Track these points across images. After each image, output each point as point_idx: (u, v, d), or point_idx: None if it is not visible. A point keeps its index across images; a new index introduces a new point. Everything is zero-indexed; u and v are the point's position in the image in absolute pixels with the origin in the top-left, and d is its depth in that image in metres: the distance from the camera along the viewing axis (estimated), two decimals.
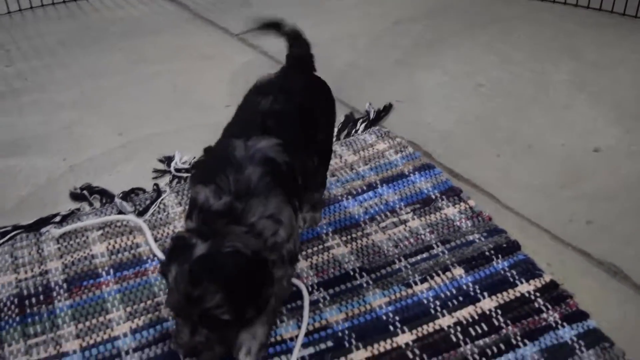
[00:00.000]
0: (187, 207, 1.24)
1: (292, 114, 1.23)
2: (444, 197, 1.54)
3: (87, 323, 1.25)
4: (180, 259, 1.01)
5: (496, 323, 1.23)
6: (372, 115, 1.83)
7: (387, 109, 1.86)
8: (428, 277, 1.33)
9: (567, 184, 1.58)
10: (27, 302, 1.30)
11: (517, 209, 1.51)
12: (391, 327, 1.23)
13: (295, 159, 1.16)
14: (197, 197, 1.09)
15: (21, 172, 1.67)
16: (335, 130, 1.72)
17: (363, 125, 1.79)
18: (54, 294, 1.31)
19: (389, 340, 1.21)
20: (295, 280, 1.30)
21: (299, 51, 1.40)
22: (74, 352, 1.20)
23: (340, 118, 1.81)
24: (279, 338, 1.21)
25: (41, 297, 1.31)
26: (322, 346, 1.20)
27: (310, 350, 1.19)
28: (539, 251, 1.40)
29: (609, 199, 1.53)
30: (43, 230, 1.47)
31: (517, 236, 1.42)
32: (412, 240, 1.43)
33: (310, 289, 1.31)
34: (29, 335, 1.23)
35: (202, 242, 1.02)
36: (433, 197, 1.54)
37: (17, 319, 1.26)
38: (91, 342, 1.22)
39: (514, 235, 1.43)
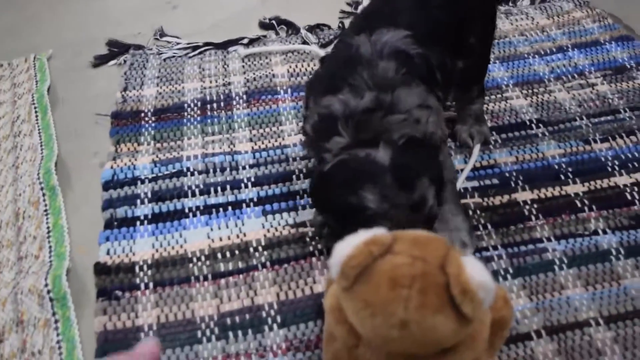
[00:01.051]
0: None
1: (428, 10, 1.07)
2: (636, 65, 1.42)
3: (261, 130, 1.31)
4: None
5: None
6: None
7: None
8: (610, 138, 1.25)
9: None
10: (208, 106, 1.38)
11: None
12: (562, 176, 1.18)
13: (431, 51, 1.01)
14: (331, 110, 0.93)
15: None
16: None
17: None
18: (234, 102, 1.38)
19: (557, 188, 1.15)
20: None
21: None
22: (246, 152, 1.27)
23: None
24: None
25: (222, 104, 1.38)
26: (487, 182, 1.18)
27: (475, 183, 1.17)
28: None
29: None
30: (230, 49, 1.54)
31: None
32: (597, 102, 1.34)
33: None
34: (207, 133, 1.31)
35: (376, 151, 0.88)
36: (628, 66, 1.42)
37: (199, 118, 1.35)
38: (262, 146, 1.28)
39: None
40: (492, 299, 0.71)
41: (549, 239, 1.07)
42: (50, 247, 1.10)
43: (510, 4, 1.66)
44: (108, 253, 1.09)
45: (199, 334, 0.96)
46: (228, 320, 0.98)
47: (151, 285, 1.03)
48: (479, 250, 1.06)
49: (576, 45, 1.50)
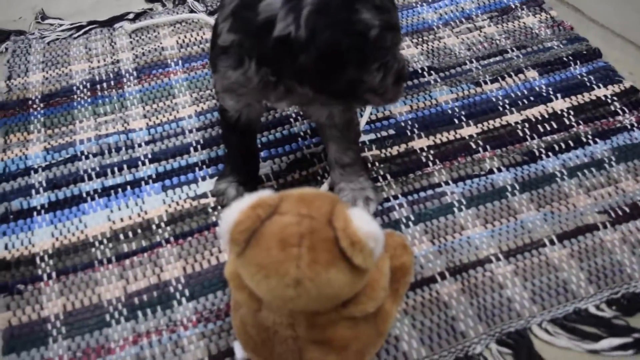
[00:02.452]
0: None
1: None
2: (524, 6, 1.45)
3: (154, 106, 1.28)
4: None
5: (567, 122, 1.19)
6: None
7: None
8: (499, 78, 1.28)
9: None
10: (98, 86, 1.33)
11: (602, 21, 1.41)
12: (456, 120, 1.21)
13: None
14: None
15: None
16: None
17: None
18: (124, 80, 1.34)
19: (452, 132, 1.18)
20: None
21: None
22: (140, 129, 1.24)
23: None
24: None
25: (112, 83, 1.34)
26: (384, 133, 1.19)
27: (372, 136, 1.19)
28: (623, 60, 1.31)
29: None
30: (116, 25, 1.49)
31: (599, 46, 1.34)
32: (485, 44, 1.37)
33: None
34: (99, 114, 1.27)
35: None
36: (513, 6, 1.45)
37: (89, 100, 1.30)
38: (157, 121, 1.25)
39: (596, 45, 1.34)
40: (382, 247, 0.72)
41: (447, 183, 1.10)
42: None
43: None
44: (6, 248, 1.05)
45: (107, 317, 0.95)
46: (136, 300, 0.96)
47: (54, 274, 1.01)
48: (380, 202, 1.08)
49: None
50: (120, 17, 1.50)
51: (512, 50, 1.34)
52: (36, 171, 1.17)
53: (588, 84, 1.26)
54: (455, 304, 0.93)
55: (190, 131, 1.22)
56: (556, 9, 1.44)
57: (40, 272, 1.01)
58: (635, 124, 1.17)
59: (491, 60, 1.33)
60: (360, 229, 0.69)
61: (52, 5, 1.57)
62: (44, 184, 1.14)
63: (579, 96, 1.23)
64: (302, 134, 1.21)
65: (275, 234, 0.69)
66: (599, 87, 1.25)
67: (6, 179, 1.16)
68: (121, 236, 1.05)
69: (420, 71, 1.31)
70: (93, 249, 1.04)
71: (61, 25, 1.49)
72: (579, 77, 1.27)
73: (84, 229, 1.07)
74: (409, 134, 1.18)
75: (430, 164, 1.13)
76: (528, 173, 1.10)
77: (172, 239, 1.04)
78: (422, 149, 1.15)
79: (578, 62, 1.30)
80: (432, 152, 1.15)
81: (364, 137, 1.18)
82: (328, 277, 0.69)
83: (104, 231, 1.06)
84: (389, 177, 1.11)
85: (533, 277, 0.96)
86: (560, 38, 1.36)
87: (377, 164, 1.13)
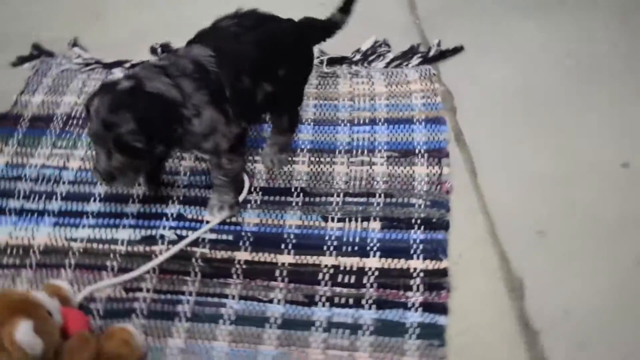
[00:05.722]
0: None
1: (245, 37, 1.39)
2: (426, 154, 1.59)
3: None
4: (103, 92, 1.27)
5: (364, 281, 1.36)
6: (433, 52, 1.84)
7: (456, 50, 1.85)
8: (346, 219, 1.47)
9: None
10: (70, 121, 1.75)
11: (489, 209, 1.50)
12: (282, 245, 1.44)
13: (227, 74, 1.35)
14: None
15: None
16: (390, 56, 1.81)
17: (418, 60, 1.82)
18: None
19: (272, 255, 1.42)
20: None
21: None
22: (72, 169, 1.63)
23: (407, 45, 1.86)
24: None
25: (80, 122, 1.73)
26: (223, 237, 1.47)
27: (212, 236, 1.47)
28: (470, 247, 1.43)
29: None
30: (113, 69, 1.87)
31: (462, 223, 1.46)
32: (363, 182, 1.55)
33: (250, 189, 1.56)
34: (56, 146, 1.69)
35: (127, 80, 1.27)
36: (416, 151, 1.60)
37: (57, 131, 1.72)
38: (88, 166, 1.64)
39: (462, 221, 1.47)
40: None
41: (233, 297, 1.35)
42: None
43: (365, 64, 1.83)
44: None
45: None
46: None
47: None
48: None
49: (389, 120, 1.68)
50: (120, 63, 1.86)
51: (379, 196, 1.51)
52: None
53: (412, 252, 1.40)
54: None
55: None
56: (454, 166, 1.57)
57: None
58: (416, 306, 1.32)
59: (354, 199, 1.52)
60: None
61: (96, 32, 1.99)
62: None
63: (395, 260, 1.39)
64: None
65: None
66: (417, 259, 1.39)
67: None
68: None
69: (293, 190, 1.54)
70: None
71: (77, 57, 1.89)
72: (411, 242, 1.42)
73: None
74: (240, 244, 1.45)
75: (235, 276, 1.39)
76: (295, 314, 1.32)
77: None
78: (238, 261, 1.42)
79: (422, 227, 1.45)
80: (243, 267, 1.41)
81: (206, 235, 1.47)
82: None
83: None
84: (199, 275, 1.40)
85: None
86: (428, 198, 1.50)
87: (198, 261, 1.42)
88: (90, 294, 1.38)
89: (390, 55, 1.84)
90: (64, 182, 1.61)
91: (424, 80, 1.76)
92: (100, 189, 1.58)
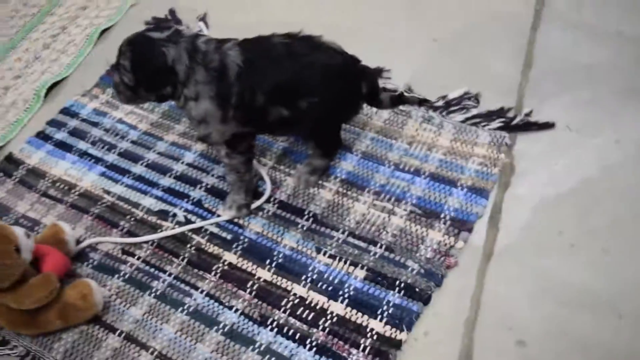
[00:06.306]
0: None
1: (280, 59, 1.43)
2: (449, 221, 1.52)
3: None
4: (145, 30, 1.47)
5: (320, 322, 1.37)
6: (518, 120, 1.71)
7: (544, 126, 1.70)
8: (337, 257, 1.47)
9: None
10: None
11: (482, 301, 1.40)
12: (267, 261, 1.49)
13: (240, 87, 1.41)
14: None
15: None
16: (473, 112, 1.73)
17: (498, 124, 1.71)
18: None
19: (259, 268, 1.48)
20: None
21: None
22: None
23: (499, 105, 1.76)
24: None
25: None
26: (224, 234, 1.55)
27: (213, 228, 1.56)
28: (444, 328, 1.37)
29: None
30: None
31: (446, 303, 1.40)
32: (373, 228, 1.52)
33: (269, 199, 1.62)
34: None
35: (163, 32, 1.42)
36: (442, 216, 1.53)
37: None
38: None
39: (446, 301, 1.40)
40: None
41: (201, 292, 1.44)
42: None
43: (443, 113, 1.76)
44: None
45: None
46: None
47: None
48: None
49: (434, 176, 1.61)
50: None
51: (380, 247, 1.48)
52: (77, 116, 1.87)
53: (378, 312, 1.37)
54: None
55: None
56: (471, 244, 1.48)
57: None
58: None
59: (355, 242, 1.50)
60: None
61: (228, 13, 2.13)
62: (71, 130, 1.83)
63: (358, 314, 1.37)
64: None
65: None
66: (379, 321, 1.36)
67: (69, 114, 1.88)
68: None
69: (306, 213, 1.57)
70: None
71: (199, 30, 2.04)
72: (383, 302, 1.39)
73: None
74: (233, 245, 1.52)
75: (213, 273, 1.47)
76: (243, 327, 1.37)
77: None
78: (224, 261, 1.49)
79: (403, 292, 1.40)
80: (225, 267, 1.48)
81: (209, 227, 1.56)
82: None
83: None
84: (185, 261, 1.50)
85: None
86: (425, 265, 1.44)
87: (192, 248, 1.52)
88: (95, 245, 1.55)
89: (474, 111, 1.74)
90: (127, 140, 1.79)
91: (492, 147, 1.65)
92: (151, 155, 1.74)
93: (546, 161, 1.62)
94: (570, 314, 1.35)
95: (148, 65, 1.42)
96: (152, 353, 1.35)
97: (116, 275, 1.49)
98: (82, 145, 1.80)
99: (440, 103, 1.77)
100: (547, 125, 1.69)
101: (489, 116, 1.73)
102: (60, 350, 1.37)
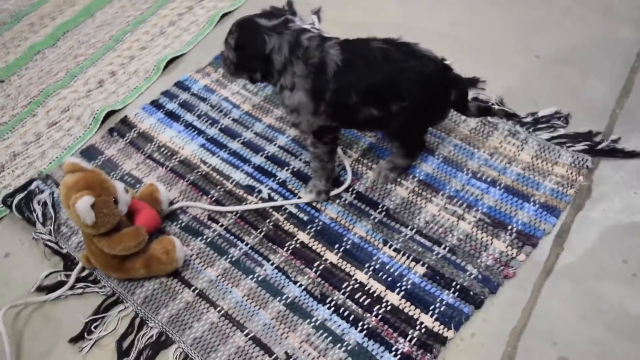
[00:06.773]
0: None
1: (377, 63, 1.50)
2: (515, 234, 1.56)
3: None
4: (256, 15, 1.58)
5: (374, 308, 1.47)
6: (604, 145, 1.71)
7: (629, 154, 1.68)
8: (402, 251, 1.56)
9: None
10: None
11: (533, 313, 1.44)
12: (337, 246, 1.60)
13: (335, 85, 1.50)
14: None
15: None
16: (561, 132, 1.75)
17: (583, 146, 1.71)
18: None
19: (326, 251, 1.59)
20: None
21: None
22: None
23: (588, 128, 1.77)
24: None
25: None
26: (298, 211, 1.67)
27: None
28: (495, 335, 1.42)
29: None
30: None
31: (496, 310, 1.45)
32: (440, 230, 1.59)
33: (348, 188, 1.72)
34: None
35: (276, 20, 1.53)
36: (508, 227, 1.58)
37: None
38: None
39: (497, 308, 1.45)
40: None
41: (272, 264, 1.57)
42: None
43: (530, 129, 1.78)
44: None
45: None
46: None
47: None
48: None
49: (510, 189, 1.65)
50: None
51: (443, 248, 1.55)
52: (188, 90, 2.05)
53: (430, 307, 1.45)
54: None
55: None
56: (533, 258, 1.52)
57: None
58: (398, 353, 1.38)
59: (421, 240, 1.58)
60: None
61: (342, 9, 2.23)
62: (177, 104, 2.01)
63: (412, 307, 1.46)
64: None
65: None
66: (430, 316, 1.44)
67: (181, 87, 2.06)
68: None
69: (380, 206, 1.66)
70: None
71: (311, 23, 2.16)
72: (437, 300, 1.46)
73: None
74: (308, 227, 1.64)
75: (285, 249, 1.60)
76: (304, 302, 1.49)
77: None
78: (297, 239, 1.62)
79: (456, 293, 1.47)
80: (297, 245, 1.60)
81: (289, 206, 1.68)
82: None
83: None
84: (262, 234, 1.64)
85: None
86: (483, 271, 1.49)
87: (270, 224, 1.66)
88: (185, 208, 1.71)
89: (561, 131, 1.76)
90: (229, 117, 1.95)
91: (572, 168, 1.66)
92: (248, 133, 1.88)
93: (624, 189, 1.63)
94: (616, 340, 1.37)
95: (247, 49, 1.55)
96: (219, 311, 1.50)
97: (199, 238, 1.65)
98: (189, 117, 1.97)
99: (529, 119, 1.80)
100: (633, 154, 1.69)
101: (575, 138, 1.74)
102: (141, 296, 1.55)
